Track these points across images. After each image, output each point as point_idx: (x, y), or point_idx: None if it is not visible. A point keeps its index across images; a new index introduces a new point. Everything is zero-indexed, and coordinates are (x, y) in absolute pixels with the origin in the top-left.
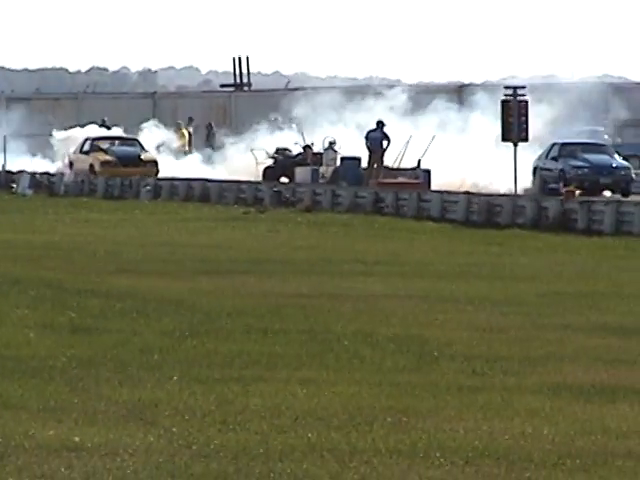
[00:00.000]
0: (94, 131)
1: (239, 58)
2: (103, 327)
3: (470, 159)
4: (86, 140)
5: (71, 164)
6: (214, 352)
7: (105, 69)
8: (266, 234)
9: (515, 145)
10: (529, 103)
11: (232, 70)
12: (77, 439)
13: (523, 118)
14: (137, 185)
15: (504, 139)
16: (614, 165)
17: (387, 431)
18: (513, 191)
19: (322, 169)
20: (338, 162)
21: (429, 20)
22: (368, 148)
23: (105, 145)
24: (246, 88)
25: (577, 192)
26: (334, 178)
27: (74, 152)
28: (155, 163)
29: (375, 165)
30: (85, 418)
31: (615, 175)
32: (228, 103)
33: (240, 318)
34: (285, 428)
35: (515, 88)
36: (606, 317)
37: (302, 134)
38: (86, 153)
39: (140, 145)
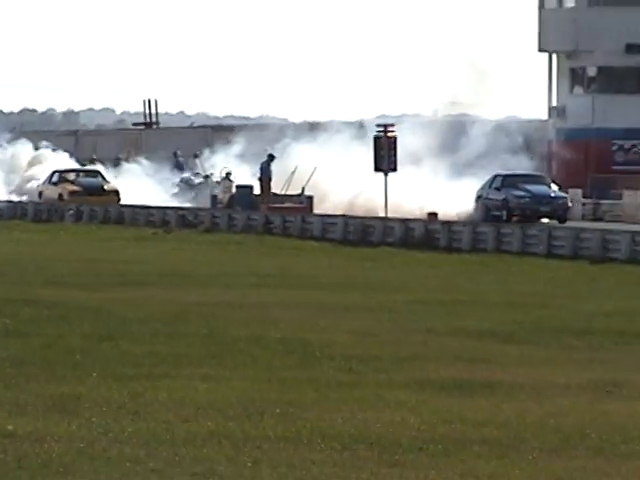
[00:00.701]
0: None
1: (149, 100)
2: (33, 331)
3: (353, 186)
4: (54, 172)
5: (40, 193)
6: (127, 353)
7: (34, 110)
8: (172, 251)
9: (386, 175)
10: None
11: (143, 110)
12: (10, 427)
13: (392, 152)
14: (62, 210)
15: (376, 170)
16: (552, 195)
17: (275, 420)
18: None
19: (220, 196)
20: (234, 189)
21: (322, 61)
22: (259, 178)
23: (71, 177)
24: (155, 126)
25: (514, 218)
26: (230, 203)
27: (43, 183)
28: (117, 192)
29: (265, 192)
30: (17, 409)
31: (553, 204)
32: (140, 139)
33: (149, 323)
34: (188, 418)
35: (385, 126)
36: (464, 322)
37: (202, 166)
38: (55, 184)
39: (102, 176)
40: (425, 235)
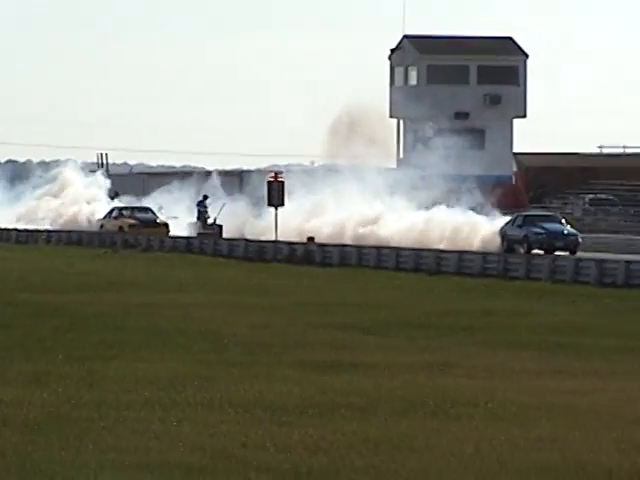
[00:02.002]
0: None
1: (102, 154)
2: (14, 324)
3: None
4: (114, 209)
5: (101, 226)
6: (85, 340)
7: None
8: (118, 266)
9: (276, 209)
10: (285, 182)
11: (97, 161)
12: None
13: (281, 191)
14: (36, 235)
15: (269, 205)
16: (565, 232)
17: (194, 391)
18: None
19: None
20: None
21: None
22: (198, 211)
23: (127, 212)
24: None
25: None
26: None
27: (104, 217)
28: (166, 225)
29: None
30: (2, 382)
31: (566, 240)
32: None
33: (102, 319)
34: (130, 389)
35: (276, 173)
36: (334, 318)
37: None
38: (115, 218)
39: (153, 212)
40: (305, 254)
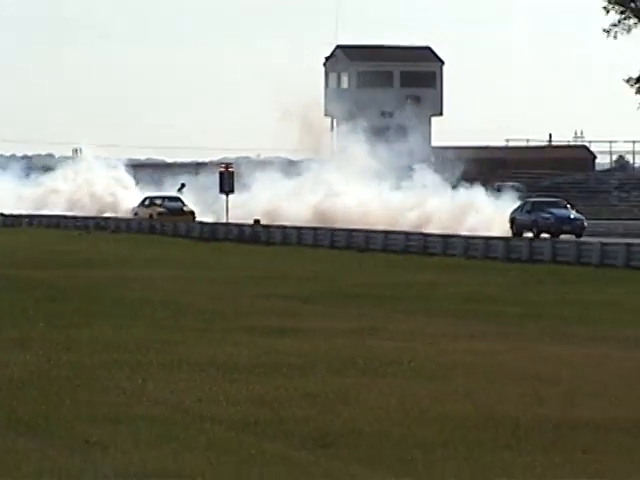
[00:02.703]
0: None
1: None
2: (0, 296)
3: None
4: (146, 198)
5: (135, 213)
6: (63, 310)
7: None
8: (91, 245)
9: (227, 195)
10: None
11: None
12: None
13: (231, 180)
14: (20, 219)
15: (221, 192)
16: (572, 217)
17: (157, 353)
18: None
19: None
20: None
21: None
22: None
23: (158, 201)
24: None
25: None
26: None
27: (138, 206)
28: (192, 213)
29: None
30: None
31: (573, 224)
32: None
33: (77, 291)
34: (101, 351)
35: (227, 164)
36: (277, 290)
37: None
38: (147, 207)
39: (181, 201)
40: (252, 234)
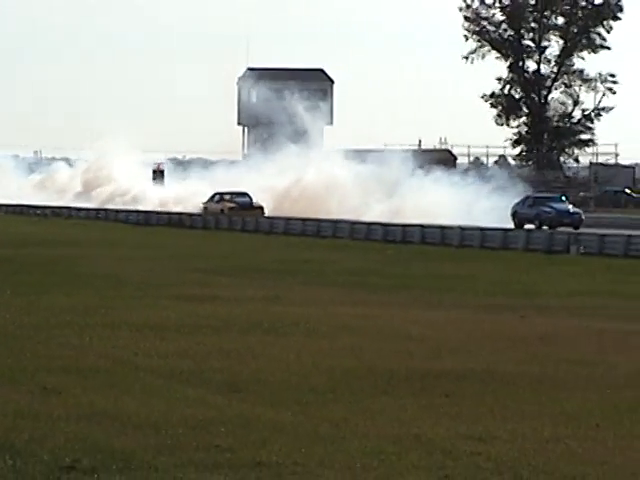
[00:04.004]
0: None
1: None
2: None
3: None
4: (216, 194)
5: (205, 208)
6: (26, 281)
7: None
8: (48, 229)
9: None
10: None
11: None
12: None
13: (162, 174)
14: None
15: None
16: (571, 211)
17: (102, 316)
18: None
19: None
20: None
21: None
22: None
23: (228, 197)
24: None
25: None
26: None
27: (208, 201)
28: (262, 208)
29: None
30: None
31: (572, 217)
32: None
33: (37, 266)
34: (56, 314)
35: (159, 163)
36: (199, 264)
37: None
38: (217, 202)
39: (249, 197)
40: (178, 220)
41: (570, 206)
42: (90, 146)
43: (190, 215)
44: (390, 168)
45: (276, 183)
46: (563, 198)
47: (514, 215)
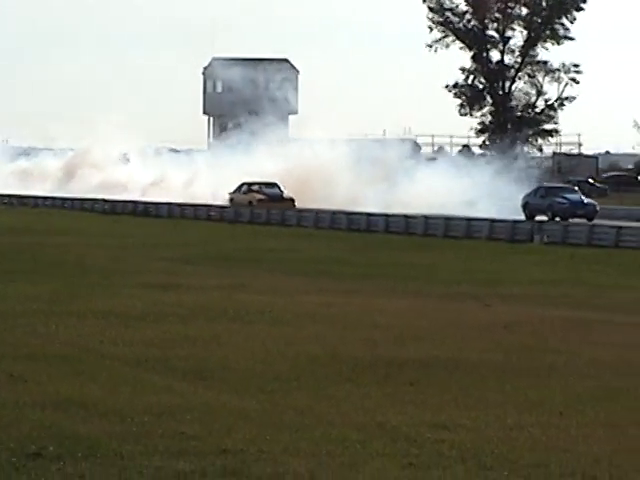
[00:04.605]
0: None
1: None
2: None
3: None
4: (243, 184)
5: (231, 200)
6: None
7: None
8: (14, 217)
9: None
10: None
11: None
12: None
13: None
14: None
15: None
16: (585, 202)
17: (67, 303)
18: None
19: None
20: None
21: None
22: None
23: (256, 187)
24: None
25: None
26: None
27: (234, 192)
28: (292, 199)
29: None
30: None
31: (586, 208)
32: None
33: (3, 254)
34: (22, 302)
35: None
36: (165, 254)
37: None
38: (245, 193)
39: (279, 188)
40: (144, 210)
41: (584, 197)
42: (68, 133)
43: (156, 204)
44: (384, 156)
45: (266, 169)
46: (576, 188)
47: (525, 206)
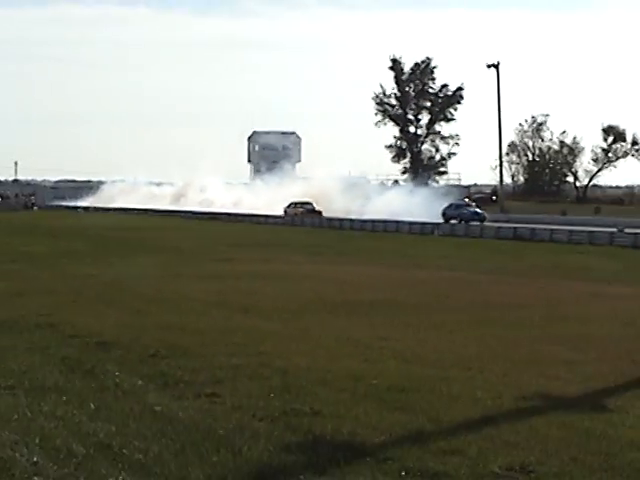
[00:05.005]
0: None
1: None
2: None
3: None
4: (291, 203)
5: (286, 212)
6: (124, 249)
7: None
8: (133, 220)
9: None
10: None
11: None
12: None
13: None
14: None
15: None
16: (478, 212)
17: (172, 269)
18: None
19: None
20: None
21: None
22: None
23: (299, 205)
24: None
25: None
26: None
27: (288, 206)
28: (320, 212)
29: None
30: None
31: (480, 216)
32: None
33: (129, 241)
34: (148, 268)
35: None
36: (222, 242)
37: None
38: (293, 208)
39: (312, 204)
40: (213, 215)
41: (478, 209)
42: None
43: (229, 214)
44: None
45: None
46: (473, 204)
47: (443, 214)
